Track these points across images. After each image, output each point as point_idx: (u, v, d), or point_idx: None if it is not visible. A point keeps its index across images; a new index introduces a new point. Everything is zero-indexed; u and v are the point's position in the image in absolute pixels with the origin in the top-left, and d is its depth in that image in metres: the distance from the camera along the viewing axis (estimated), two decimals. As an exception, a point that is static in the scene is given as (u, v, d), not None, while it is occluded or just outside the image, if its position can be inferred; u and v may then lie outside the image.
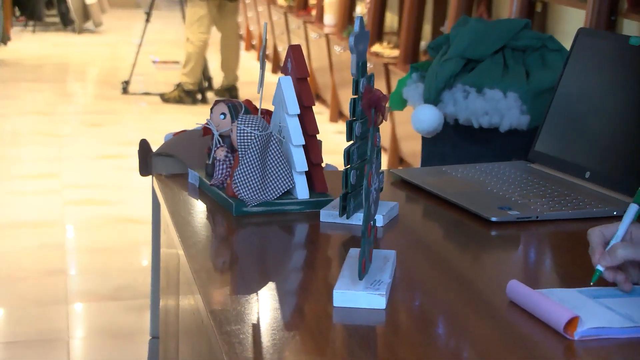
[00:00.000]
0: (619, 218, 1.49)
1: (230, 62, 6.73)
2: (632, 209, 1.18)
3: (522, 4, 3.77)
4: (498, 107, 2.08)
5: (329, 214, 1.46)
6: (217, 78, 6.88)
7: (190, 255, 1.31)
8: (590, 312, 1.08)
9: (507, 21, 2.30)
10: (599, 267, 1.14)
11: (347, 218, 1.42)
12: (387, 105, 1.25)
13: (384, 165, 4.77)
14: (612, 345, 1.05)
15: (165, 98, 6.62)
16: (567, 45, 1.89)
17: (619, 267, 1.15)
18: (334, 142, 5.48)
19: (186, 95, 6.59)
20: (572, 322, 1.06)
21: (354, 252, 1.26)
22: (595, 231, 1.18)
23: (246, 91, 6.75)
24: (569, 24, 4.13)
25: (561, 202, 1.54)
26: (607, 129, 1.65)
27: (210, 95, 6.75)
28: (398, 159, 4.81)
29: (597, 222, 1.48)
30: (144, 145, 1.69)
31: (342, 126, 5.98)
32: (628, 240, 1.16)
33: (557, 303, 1.09)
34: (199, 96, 6.66)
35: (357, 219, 1.43)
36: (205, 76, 6.79)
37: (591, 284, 1.14)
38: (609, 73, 1.69)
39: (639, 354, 1.05)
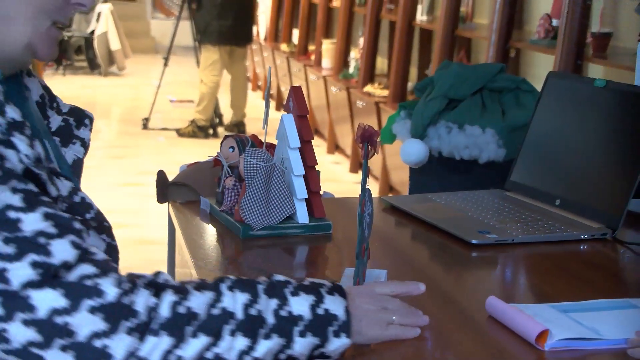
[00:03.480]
0: (587, 242, 1.49)
1: (238, 101, 6.75)
2: None
3: (498, 50, 3.78)
4: (477, 142, 2.08)
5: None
6: (227, 115, 6.89)
7: (202, 275, 1.30)
8: (559, 326, 1.07)
9: (485, 65, 2.31)
10: None
11: None
12: (379, 139, 1.25)
13: (375, 193, 4.76)
14: (579, 357, 1.04)
15: (180, 133, 6.63)
16: (538, 87, 1.89)
17: None
18: (331, 172, 5.49)
19: (199, 130, 6.59)
20: (543, 334, 1.05)
21: (349, 272, 1.25)
22: None
23: (253, 127, 6.75)
24: (539, 68, 4.15)
25: (534, 226, 1.53)
26: (575, 161, 1.65)
27: (220, 130, 6.76)
28: (388, 187, 4.81)
29: (566, 245, 1.48)
30: (161, 176, 1.69)
31: (338, 157, 5.98)
32: None
33: (529, 317, 1.08)
34: (211, 131, 6.66)
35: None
36: (217, 113, 6.80)
37: None
38: (576, 112, 1.69)
39: (605, 364, 1.04)
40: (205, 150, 5.08)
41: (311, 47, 7.16)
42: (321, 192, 1.56)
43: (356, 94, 5.34)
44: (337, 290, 1.00)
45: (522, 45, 3.88)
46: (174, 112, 7.60)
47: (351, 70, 6.00)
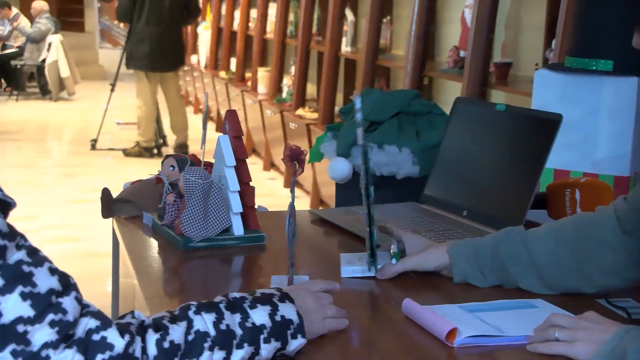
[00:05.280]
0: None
1: (178, 124, 6.62)
2: None
3: (413, 78, 3.84)
4: (395, 160, 2.10)
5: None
6: (172, 136, 6.80)
7: (144, 284, 1.28)
8: (467, 324, 1.08)
9: (402, 92, 2.34)
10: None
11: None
12: (306, 157, 1.25)
13: (307, 206, 4.76)
14: (484, 352, 1.05)
15: (127, 153, 6.51)
16: (448, 110, 1.93)
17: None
18: (267, 187, 5.47)
19: (144, 151, 6.49)
20: (452, 332, 1.06)
21: (276, 279, 1.25)
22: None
23: (195, 147, 6.68)
24: (449, 94, 4.23)
25: (445, 235, 1.55)
26: (480, 177, 1.68)
27: (165, 150, 6.66)
28: (319, 201, 4.82)
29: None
30: (105, 193, 1.66)
31: (273, 174, 5.97)
32: None
33: (440, 317, 1.09)
34: (155, 151, 6.56)
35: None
36: (160, 135, 6.70)
37: None
38: (480, 132, 1.73)
39: (506, 357, 1.06)
40: (151, 169, 5.00)
41: (248, 75, 7.14)
42: (256, 206, 1.56)
43: (289, 116, 5.36)
44: (286, 297, 1.02)
45: (434, 74, 3.96)
46: (121, 134, 7.46)
47: (284, 95, 6.02)
